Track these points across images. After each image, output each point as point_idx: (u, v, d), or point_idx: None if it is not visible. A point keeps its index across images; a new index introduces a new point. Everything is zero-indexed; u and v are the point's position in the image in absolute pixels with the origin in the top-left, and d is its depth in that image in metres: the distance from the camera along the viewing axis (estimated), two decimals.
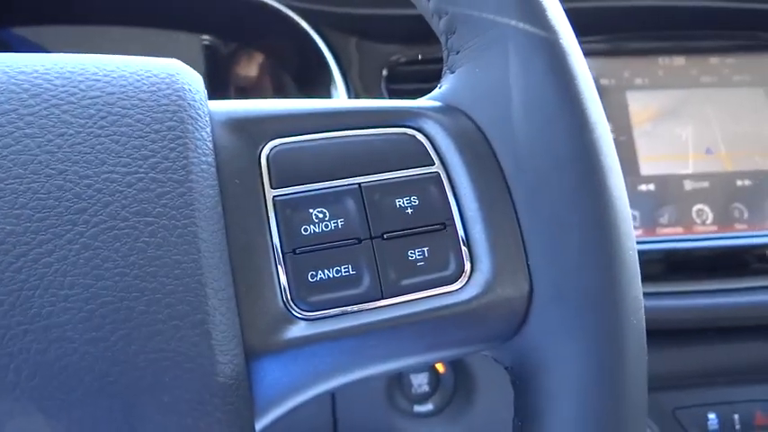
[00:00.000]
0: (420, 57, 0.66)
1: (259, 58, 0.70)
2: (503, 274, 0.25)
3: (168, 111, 0.23)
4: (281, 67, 0.70)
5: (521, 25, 0.26)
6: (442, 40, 0.29)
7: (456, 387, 0.59)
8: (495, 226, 0.26)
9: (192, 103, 0.24)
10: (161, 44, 0.69)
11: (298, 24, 0.65)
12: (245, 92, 0.71)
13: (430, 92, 0.71)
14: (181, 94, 0.24)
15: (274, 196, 0.25)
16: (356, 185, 0.26)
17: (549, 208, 0.25)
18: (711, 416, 0.57)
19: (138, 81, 0.24)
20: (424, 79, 0.66)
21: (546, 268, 0.25)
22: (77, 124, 0.22)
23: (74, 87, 0.23)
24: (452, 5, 0.28)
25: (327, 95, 0.64)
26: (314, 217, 0.25)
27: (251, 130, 0.26)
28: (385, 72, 0.65)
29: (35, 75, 0.23)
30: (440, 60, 0.67)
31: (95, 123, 0.22)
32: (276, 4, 0.64)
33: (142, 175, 0.22)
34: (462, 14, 0.27)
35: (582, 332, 0.24)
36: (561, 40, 0.26)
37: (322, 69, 0.64)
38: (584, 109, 0.25)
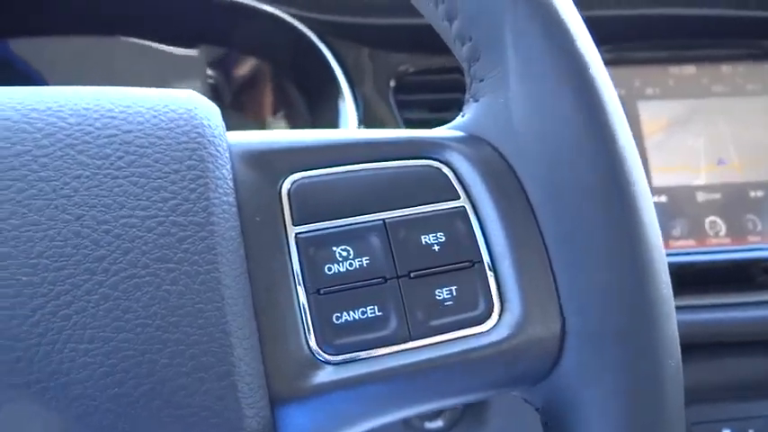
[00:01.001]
0: (429, 67, 0.65)
1: (264, 68, 0.70)
2: (534, 314, 0.24)
3: (187, 149, 0.22)
4: (286, 78, 0.69)
5: (547, 55, 0.25)
6: (465, 66, 0.28)
7: (466, 404, 0.58)
8: (525, 262, 0.25)
9: (211, 139, 0.23)
10: (163, 56, 0.68)
11: (304, 34, 0.64)
12: (248, 104, 0.70)
13: (438, 103, 0.70)
14: (200, 130, 0.23)
15: (296, 233, 0.24)
16: (380, 221, 0.25)
17: (580, 243, 0.24)
18: (726, 431, 0.56)
19: (156, 117, 0.23)
20: (433, 90, 0.66)
21: (578, 306, 0.24)
22: (94, 165, 0.21)
23: (89, 125, 0.22)
24: (476, 31, 0.27)
25: (335, 107, 0.63)
26: (338, 255, 0.24)
27: (270, 164, 0.25)
28: (393, 83, 0.64)
29: (49, 113, 0.22)
30: (449, 70, 0.66)
31: (112, 164, 0.21)
32: (282, 14, 0.63)
33: (162, 218, 0.21)
34: (486, 41, 0.26)
35: (618, 373, 0.24)
36: (590, 70, 0.25)
37: (329, 80, 0.63)
38: (614, 140, 0.24)
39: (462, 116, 0.29)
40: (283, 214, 0.24)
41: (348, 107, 0.62)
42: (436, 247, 0.25)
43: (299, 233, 0.24)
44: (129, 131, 0.22)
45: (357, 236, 0.24)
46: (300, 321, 0.23)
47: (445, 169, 0.26)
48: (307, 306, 0.23)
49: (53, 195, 0.20)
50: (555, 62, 0.25)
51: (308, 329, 0.23)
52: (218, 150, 0.23)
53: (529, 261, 0.25)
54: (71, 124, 0.22)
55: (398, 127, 0.63)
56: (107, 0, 0.65)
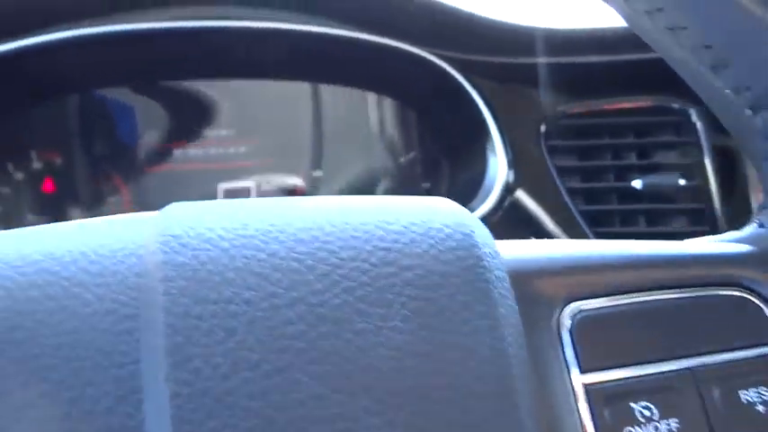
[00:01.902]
0: (579, 111, 0.60)
1: (394, 108, 0.66)
2: None
3: (476, 289, 0.18)
4: (424, 121, 0.65)
5: None
6: (761, 148, 0.23)
7: None
8: None
9: (497, 274, 0.19)
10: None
11: (448, 74, 0.60)
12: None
13: (588, 150, 0.63)
14: (484, 263, 0.19)
15: (585, 384, 0.20)
16: (687, 371, 0.20)
17: None
18: None
19: (434, 247, 0.19)
20: (583, 135, 0.60)
21: None
22: (377, 316, 0.17)
23: (363, 261, 0.18)
24: None
25: (482, 154, 0.58)
26: (638, 415, 0.19)
27: (544, 290, 0.21)
28: (543, 128, 0.59)
29: (317, 245, 0.18)
30: (602, 114, 0.60)
31: (397, 314, 0.17)
32: (426, 54, 0.59)
33: (461, 388, 0.17)
34: None
35: None
36: None
37: (475, 124, 0.59)
38: None
39: (761, 226, 0.23)
40: (565, 357, 0.20)
41: (498, 153, 0.57)
42: (761, 408, 0.20)
43: (589, 385, 0.20)
44: (410, 268, 0.18)
45: (660, 389, 0.20)
46: None
47: (755, 299, 0.21)
48: None
49: (337, 359, 0.17)
50: None
51: None
52: (505, 288, 0.19)
53: None
54: (344, 260, 0.18)
55: (551, 174, 0.58)
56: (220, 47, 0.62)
